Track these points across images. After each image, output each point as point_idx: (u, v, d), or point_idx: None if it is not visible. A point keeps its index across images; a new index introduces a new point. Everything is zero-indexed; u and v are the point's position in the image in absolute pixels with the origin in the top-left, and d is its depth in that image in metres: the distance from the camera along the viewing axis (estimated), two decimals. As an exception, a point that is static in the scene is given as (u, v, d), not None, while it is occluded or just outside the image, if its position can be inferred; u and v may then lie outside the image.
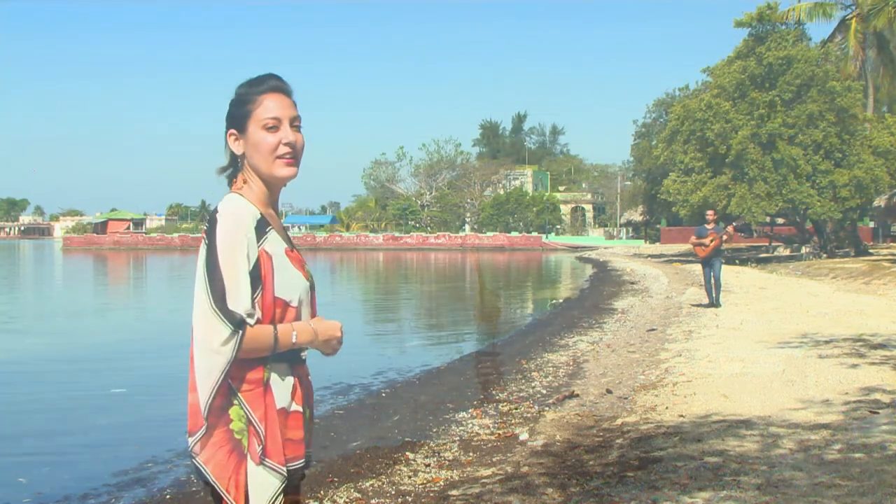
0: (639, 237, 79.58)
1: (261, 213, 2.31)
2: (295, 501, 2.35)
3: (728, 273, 18.10)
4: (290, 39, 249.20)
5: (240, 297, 2.17)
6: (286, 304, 2.26)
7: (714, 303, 15.65)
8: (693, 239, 15.82)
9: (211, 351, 2.15)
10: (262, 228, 2.28)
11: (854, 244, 35.44)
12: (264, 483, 2.20)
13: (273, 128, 2.29)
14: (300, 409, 2.29)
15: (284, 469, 2.22)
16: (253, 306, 2.19)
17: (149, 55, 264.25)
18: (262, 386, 2.22)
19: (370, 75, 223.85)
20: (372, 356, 12.74)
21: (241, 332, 2.15)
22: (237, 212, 2.25)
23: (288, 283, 2.27)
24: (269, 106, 2.29)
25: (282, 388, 2.25)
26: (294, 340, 2.24)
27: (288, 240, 2.37)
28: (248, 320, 2.17)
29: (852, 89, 31.57)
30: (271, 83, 2.32)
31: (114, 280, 40.64)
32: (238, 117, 2.32)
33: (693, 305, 16.31)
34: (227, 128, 2.35)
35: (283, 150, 2.29)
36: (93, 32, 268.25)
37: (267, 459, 2.20)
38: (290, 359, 2.29)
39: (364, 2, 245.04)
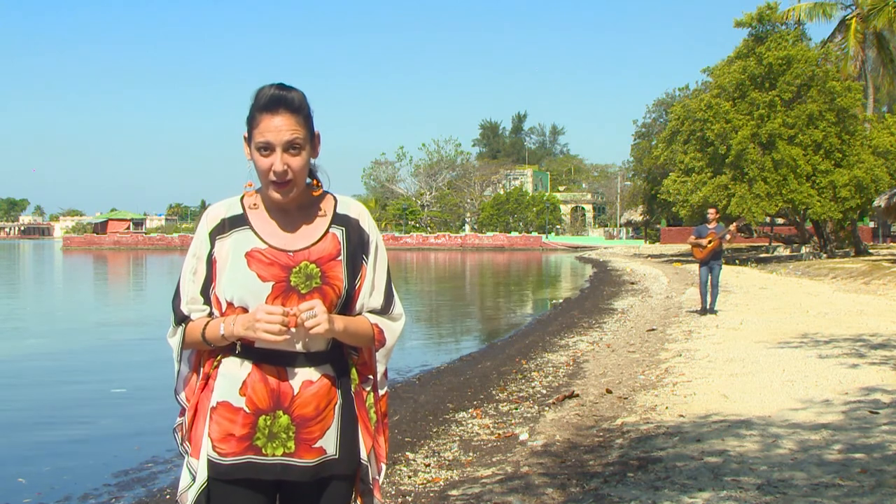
0: (639, 237, 79.54)
1: (241, 212, 2.30)
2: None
3: (728, 273, 18.02)
4: (290, 39, 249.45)
5: (185, 295, 2.30)
6: (230, 304, 2.24)
7: (708, 309, 14.46)
8: (691, 239, 14.76)
9: (168, 342, 2.33)
10: (226, 228, 2.28)
11: (854, 244, 35.43)
12: (184, 475, 2.30)
13: (265, 150, 2.20)
14: (243, 405, 2.21)
15: (202, 463, 2.23)
16: (207, 303, 2.29)
17: (149, 55, 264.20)
18: (204, 379, 2.30)
19: (370, 75, 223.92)
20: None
21: (182, 326, 2.29)
22: (207, 214, 2.34)
23: (231, 283, 2.23)
24: (262, 128, 2.19)
25: (226, 381, 2.24)
26: (222, 333, 2.20)
27: (287, 239, 2.27)
28: (192, 316, 2.29)
29: (852, 89, 31.56)
30: (268, 99, 2.19)
31: (114, 280, 40.62)
32: (247, 126, 2.26)
33: (688, 311, 15.70)
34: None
35: (271, 177, 2.21)
36: (93, 32, 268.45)
37: (188, 456, 2.30)
38: (255, 357, 2.22)
39: (364, 1, 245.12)
